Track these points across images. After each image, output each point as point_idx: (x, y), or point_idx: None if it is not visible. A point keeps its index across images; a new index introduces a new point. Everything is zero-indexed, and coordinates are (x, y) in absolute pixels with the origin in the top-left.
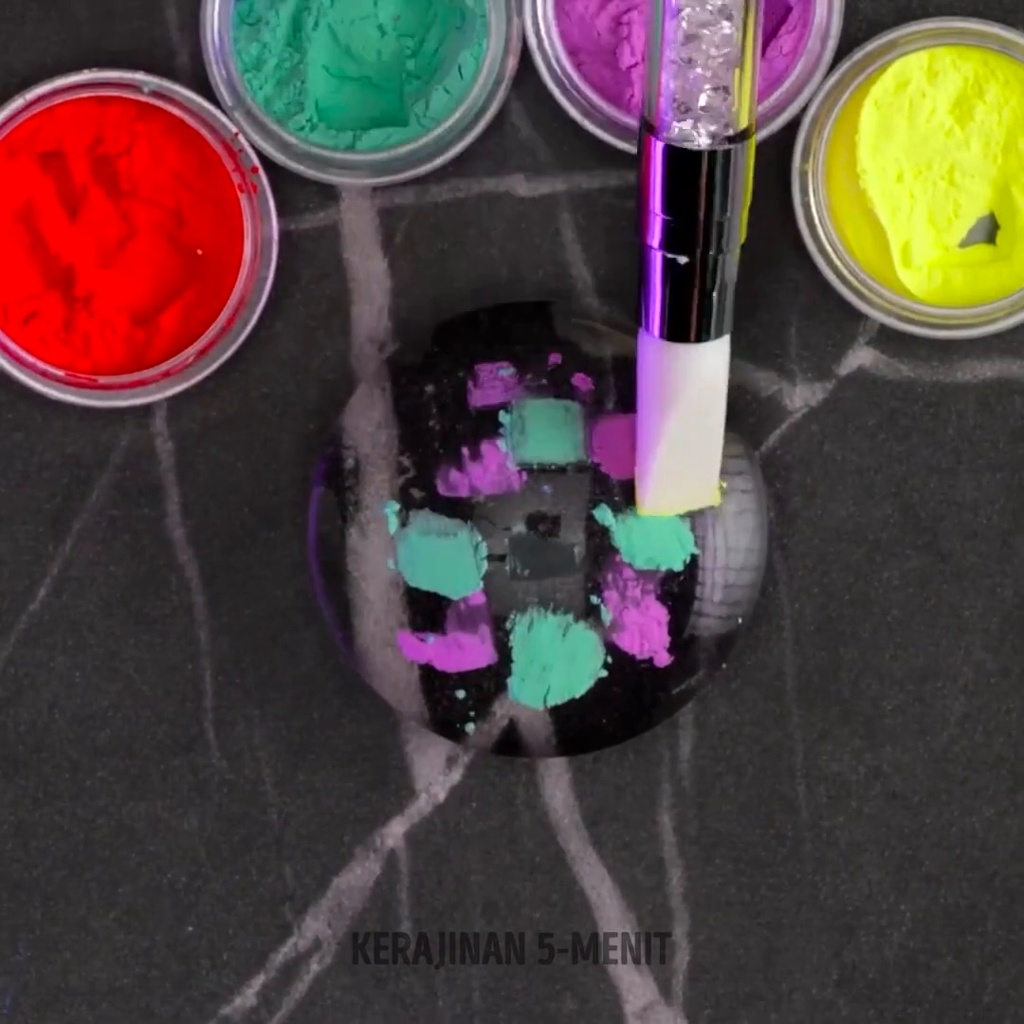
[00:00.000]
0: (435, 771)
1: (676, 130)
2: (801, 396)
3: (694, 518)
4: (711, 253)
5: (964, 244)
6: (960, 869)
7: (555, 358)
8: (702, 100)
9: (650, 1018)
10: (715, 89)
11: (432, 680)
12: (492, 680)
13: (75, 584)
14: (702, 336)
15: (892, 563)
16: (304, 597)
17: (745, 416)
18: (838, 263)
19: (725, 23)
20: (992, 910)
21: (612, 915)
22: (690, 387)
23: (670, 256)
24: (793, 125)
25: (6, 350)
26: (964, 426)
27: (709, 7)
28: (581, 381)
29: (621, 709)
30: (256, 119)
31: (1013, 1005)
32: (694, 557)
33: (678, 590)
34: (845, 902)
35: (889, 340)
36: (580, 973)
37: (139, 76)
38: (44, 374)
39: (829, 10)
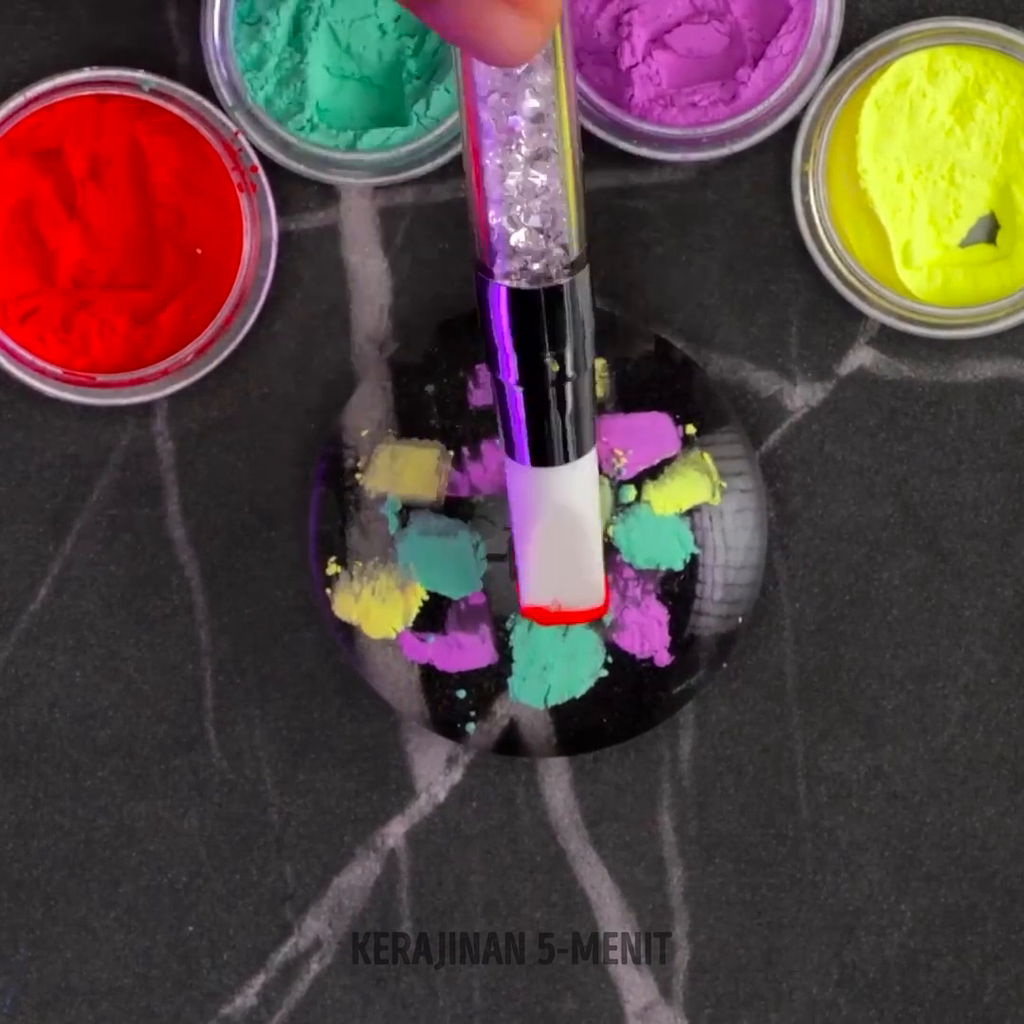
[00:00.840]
0: (435, 771)
1: (508, 271)
2: (801, 396)
3: (694, 518)
4: (563, 380)
5: (964, 244)
6: (960, 869)
7: None
8: (528, 242)
9: (650, 1018)
10: (541, 230)
11: (432, 680)
12: (492, 680)
13: (75, 584)
14: (564, 459)
15: (892, 563)
16: (304, 597)
17: (745, 416)
18: (838, 263)
19: (534, 171)
20: (992, 910)
21: (612, 915)
22: (551, 507)
23: (523, 388)
24: (793, 125)
25: (5, 348)
26: (964, 426)
27: (521, 153)
28: None
29: (621, 709)
30: (256, 119)
31: (1013, 1005)
32: (694, 557)
33: (678, 590)
34: (845, 902)
35: (889, 340)
36: (580, 973)
37: (139, 75)
38: (42, 372)
39: (829, 10)
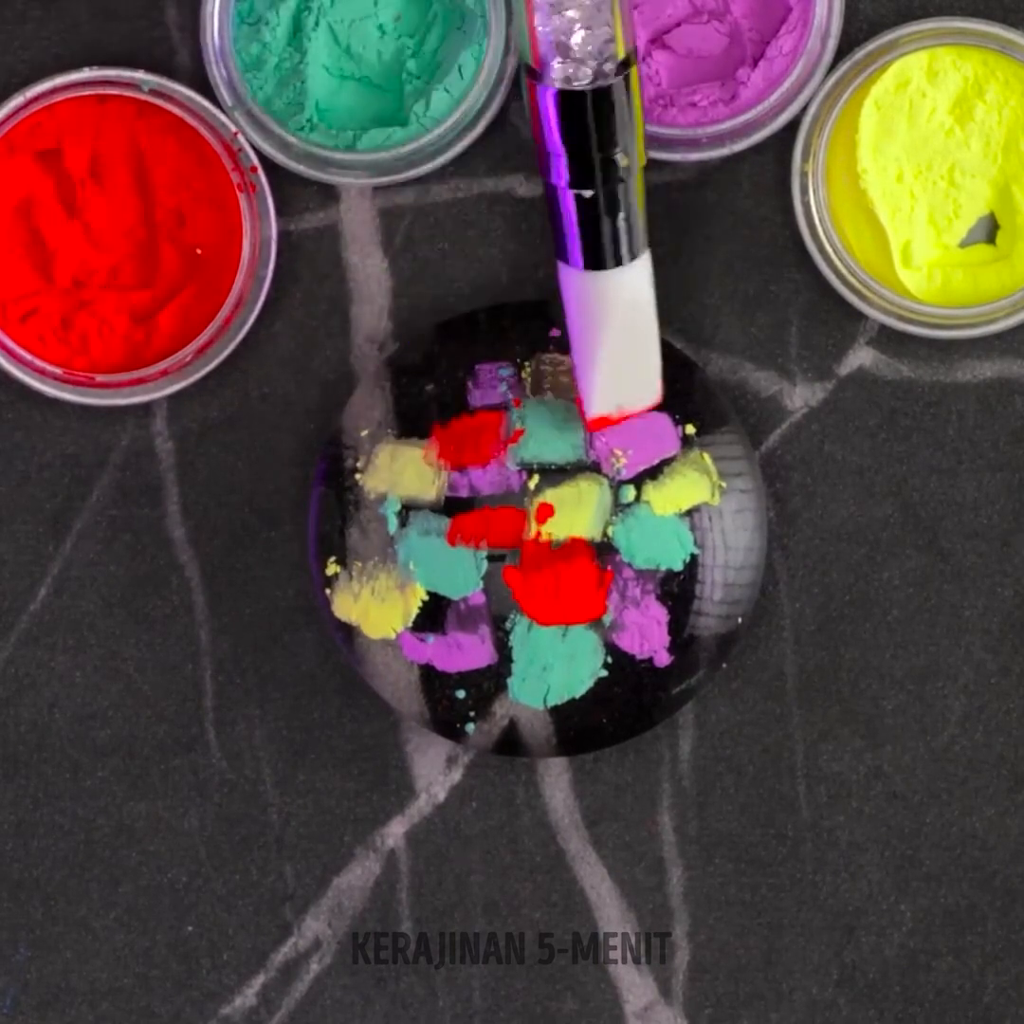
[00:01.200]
0: (435, 771)
1: (558, 73)
2: (801, 396)
3: (694, 518)
4: (613, 183)
5: (964, 244)
6: (960, 869)
7: None
8: (577, 40)
9: (650, 1018)
10: (588, 28)
11: (432, 680)
12: (492, 680)
13: (75, 584)
14: (618, 261)
15: (892, 563)
16: (304, 597)
17: (745, 416)
18: (838, 263)
19: None
20: (992, 910)
21: (612, 915)
22: (615, 309)
23: (575, 191)
24: (793, 125)
25: (5, 348)
26: (964, 426)
27: None
28: None
29: (621, 709)
30: (256, 119)
31: (1013, 1005)
32: (694, 557)
33: (678, 590)
34: (845, 902)
35: (889, 340)
36: (580, 973)
37: (139, 75)
38: (42, 372)
39: (829, 10)
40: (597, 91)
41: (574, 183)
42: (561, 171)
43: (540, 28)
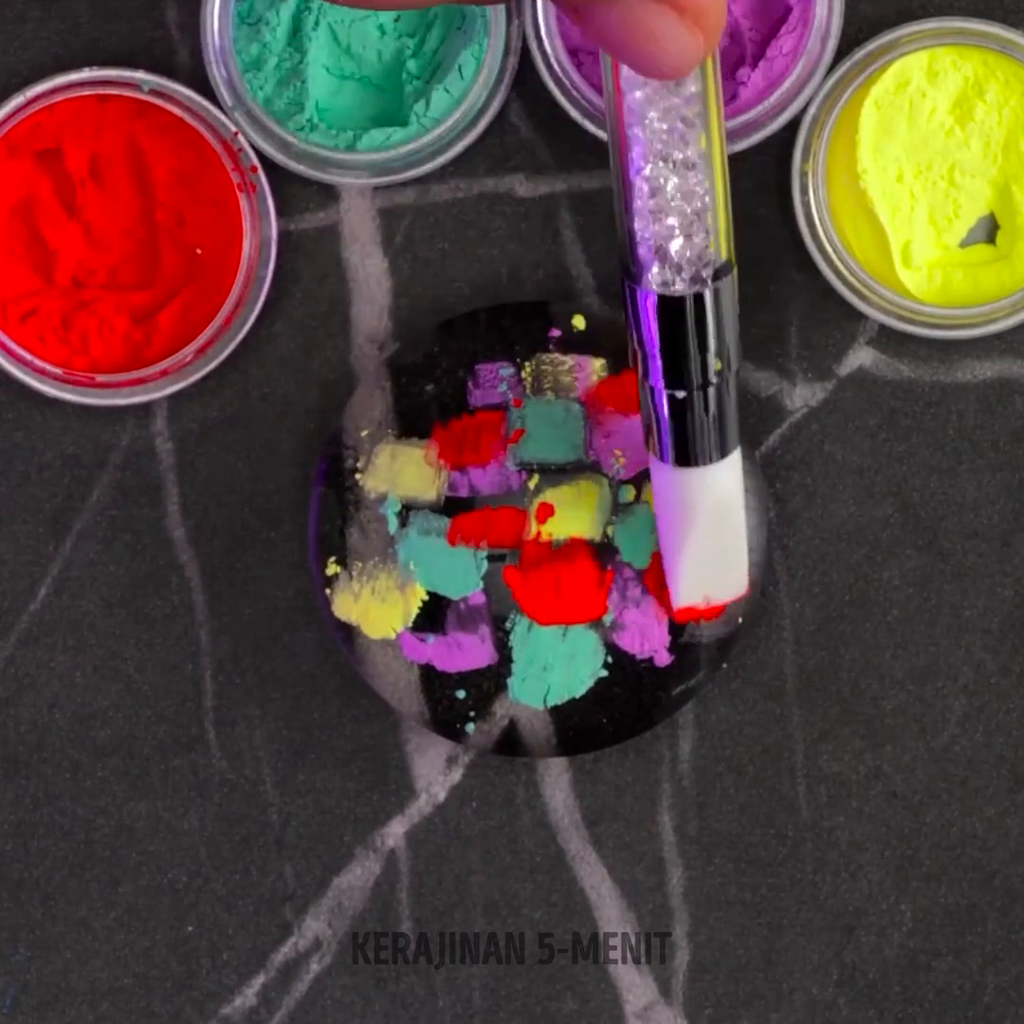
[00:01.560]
0: (435, 771)
1: (656, 277)
2: (801, 396)
3: None
4: (707, 385)
5: (964, 244)
6: (960, 869)
7: None
8: (676, 247)
9: (650, 1018)
10: (688, 236)
11: (432, 680)
12: (492, 680)
13: (75, 584)
14: (709, 459)
15: (892, 563)
16: (304, 597)
17: (745, 416)
18: (838, 263)
19: (690, 173)
20: (992, 910)
21: (612, 915)
22: (703, 505)
23: (669, 392)
24: (793, 125)
25: (5, 348)
26: (964, 426)
27: (671, 163)
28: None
29: (621, 709)
30: (256, 119)
31: (1013, 1005)
32: None
33: None
34: (845, 902)
35: (889, 340)
36: (580, 973)
37: (139, 74)
38: (42, 372)
39: (829, 10)
40: (696, 297)
41: (669, 384)
42: (657, 373)
43: (640, 233)
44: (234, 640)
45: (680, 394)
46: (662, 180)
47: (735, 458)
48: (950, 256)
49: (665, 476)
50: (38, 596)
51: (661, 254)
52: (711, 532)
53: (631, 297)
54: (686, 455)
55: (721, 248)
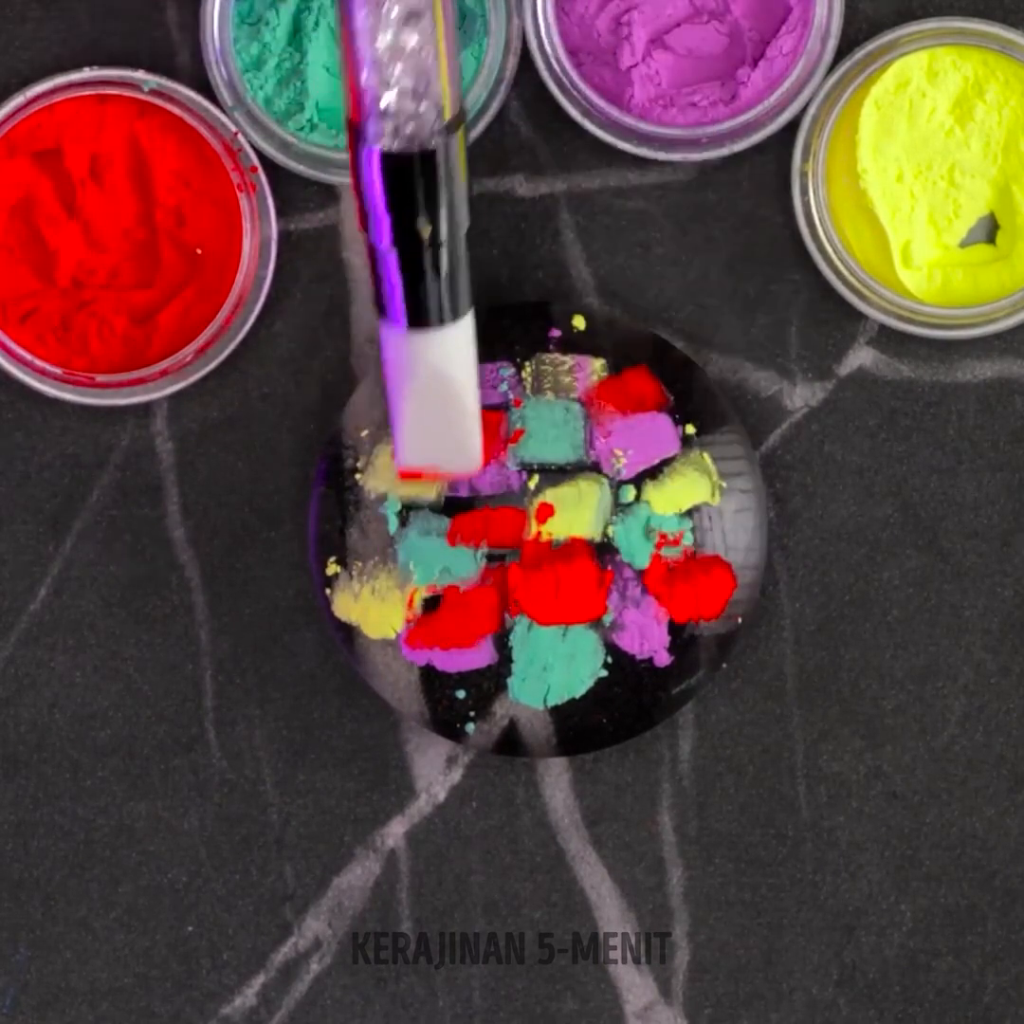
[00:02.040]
0: (435, 771)
1: (381, 134)
2: (801, 396)
3: (694, 518)
4: (437, 245)
5: (964, 244)
6: (960, 869)
7: None
8: (400, 104)
9: (650, 1018)
10: (412, 91)
11: (432, 680)
12: (492, 680)
13: (75, 584)
14: (441, 320)
15: (892, 563)
16: (304, 597)
17: (745, 416)
18: (838, 263)
19: (411, 27)
20: (992, 910)
21: (612, 915)
22: (421, 370)
23: (396, 252)
24: (793, 125)
25: (4, 348)
26: (964, 426)
27: (392, 15)
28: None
29: (621, 709)
30: (256, 119)
31: (1013, 1005)
32: None
33: None
34: (845, 902)
35: (889, 340)
36: (580, 973)
37: (139, 75)
38: (42, 372)
39: (829, 10)
40: (423, 155)
41: (398, 243)
42: (384, 232)
43: (364, 84)
44: (234, 640)
45: (406, 254)
46: (383, 32)
47: (462, 326)
48: (950, 256)
49: (390, 337)
50: (38, 596)
51: (384, 109)
52: (430, 398)
53: (356, 155)
54: (415, 317)
55: (445, 105)
